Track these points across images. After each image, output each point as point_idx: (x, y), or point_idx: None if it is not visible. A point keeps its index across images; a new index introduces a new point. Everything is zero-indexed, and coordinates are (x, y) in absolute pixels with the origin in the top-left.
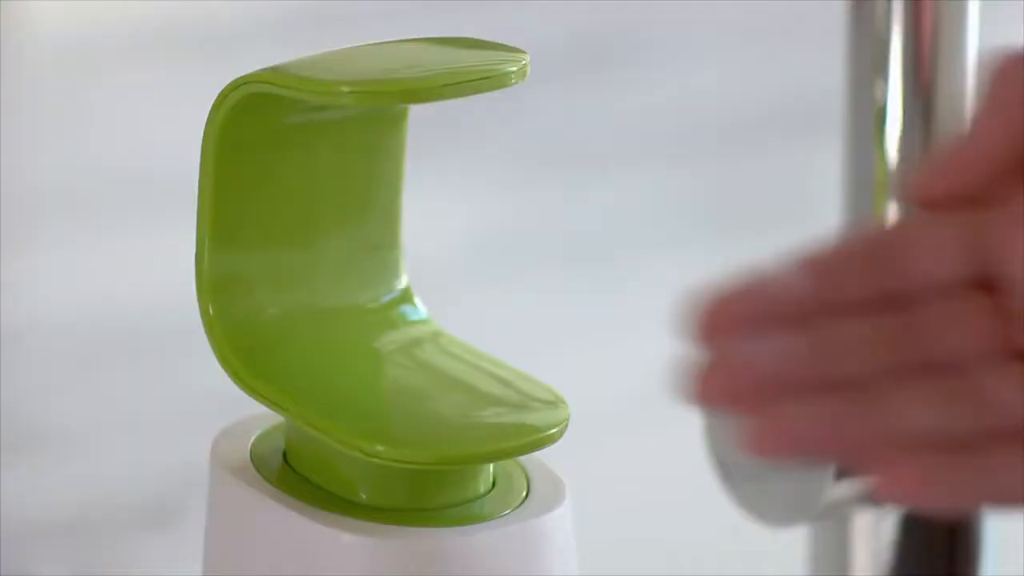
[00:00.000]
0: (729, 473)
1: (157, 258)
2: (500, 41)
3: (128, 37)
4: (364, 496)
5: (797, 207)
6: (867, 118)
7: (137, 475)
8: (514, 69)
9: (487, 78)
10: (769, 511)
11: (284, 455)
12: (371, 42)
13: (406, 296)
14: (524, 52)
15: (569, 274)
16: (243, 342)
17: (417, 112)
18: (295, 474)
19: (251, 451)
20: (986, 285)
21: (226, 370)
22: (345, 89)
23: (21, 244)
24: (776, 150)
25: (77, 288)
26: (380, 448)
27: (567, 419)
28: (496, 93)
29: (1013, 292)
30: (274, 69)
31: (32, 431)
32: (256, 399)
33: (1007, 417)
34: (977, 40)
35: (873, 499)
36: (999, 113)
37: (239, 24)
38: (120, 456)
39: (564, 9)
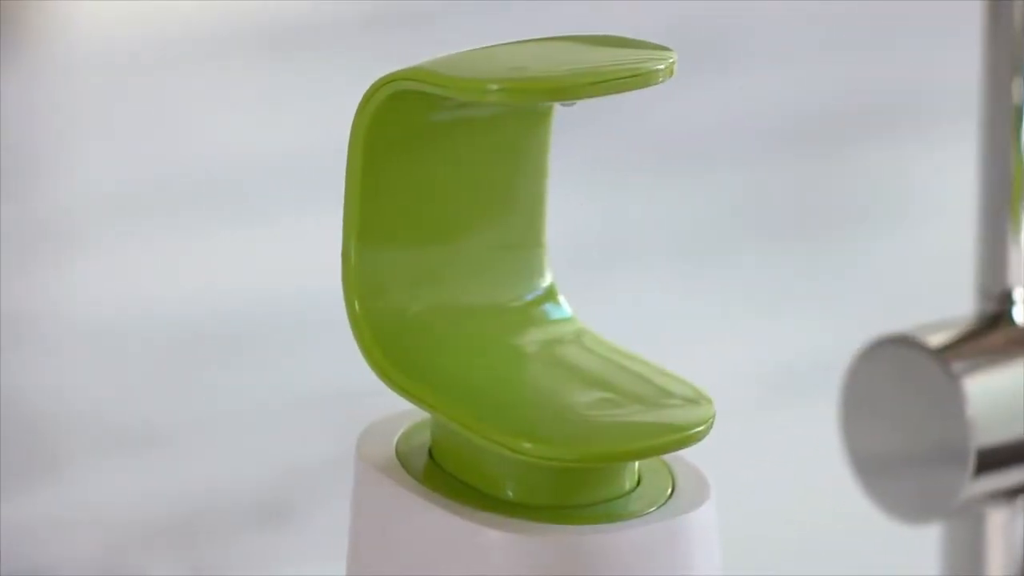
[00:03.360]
0: (865, 468)
1: (257, 254)
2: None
3: (178, 39)
4: (510, 493)
5: (897, 205)
6: (1005, 117)
7: (252, 473)
8: (662, 67)
9: (635, 76)
10: (905, 507)
11: (430, 452)
12: (514, 40)
13: (550, 294)
14: (671, 50)
15: (691, 267)
16: (389, 339)
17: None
18: (441, 471)
19: (396, 448)
20: None
21: (373, 368)
22: (493, 87)
23: (117, 241)
24: (874, 148)
25: (179, 284)
26: (527, 446)
27: (712, 417)
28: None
29: None
30: (419, 67)
31: (143, 430)
32: (402, 396)
33: None
34: None
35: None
36: None
37: (290, 27)
38: (234, 454)
39: (666, 4)
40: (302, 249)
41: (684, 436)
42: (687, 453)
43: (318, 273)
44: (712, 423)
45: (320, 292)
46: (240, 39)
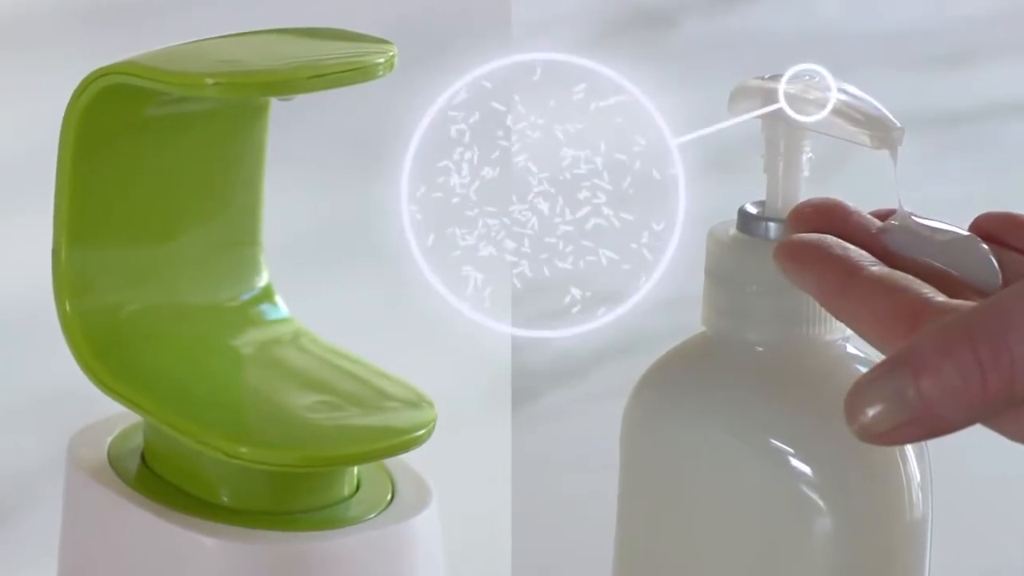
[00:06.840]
0: None
1: None
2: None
3: None
4: (225, 499)
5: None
6: None
7: None
8: (382, 60)
9: (355, 69)
10: None
11: (142, 456)
12: (234, 33)
13: (267, 294)
14: (390, 43)
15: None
16: (101, 341)
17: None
18: (154, 475)
19: (109, 452)
20: None
21: (83, 369)
22: (209, 81)
23: None
24: None
25: None
26: (243, 450)
27: (434, 420)
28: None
29: None
30: (133, 60)
31: None
32: (115, 399)
33: None
34: None
35: None
36: None
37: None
38: None
39: None
40: (11, 248)
41: (405, 440)
42: (408, 457)
43: (29, 272)
44: (433, 427)
45: (31, 291)
46: (30, 25)
